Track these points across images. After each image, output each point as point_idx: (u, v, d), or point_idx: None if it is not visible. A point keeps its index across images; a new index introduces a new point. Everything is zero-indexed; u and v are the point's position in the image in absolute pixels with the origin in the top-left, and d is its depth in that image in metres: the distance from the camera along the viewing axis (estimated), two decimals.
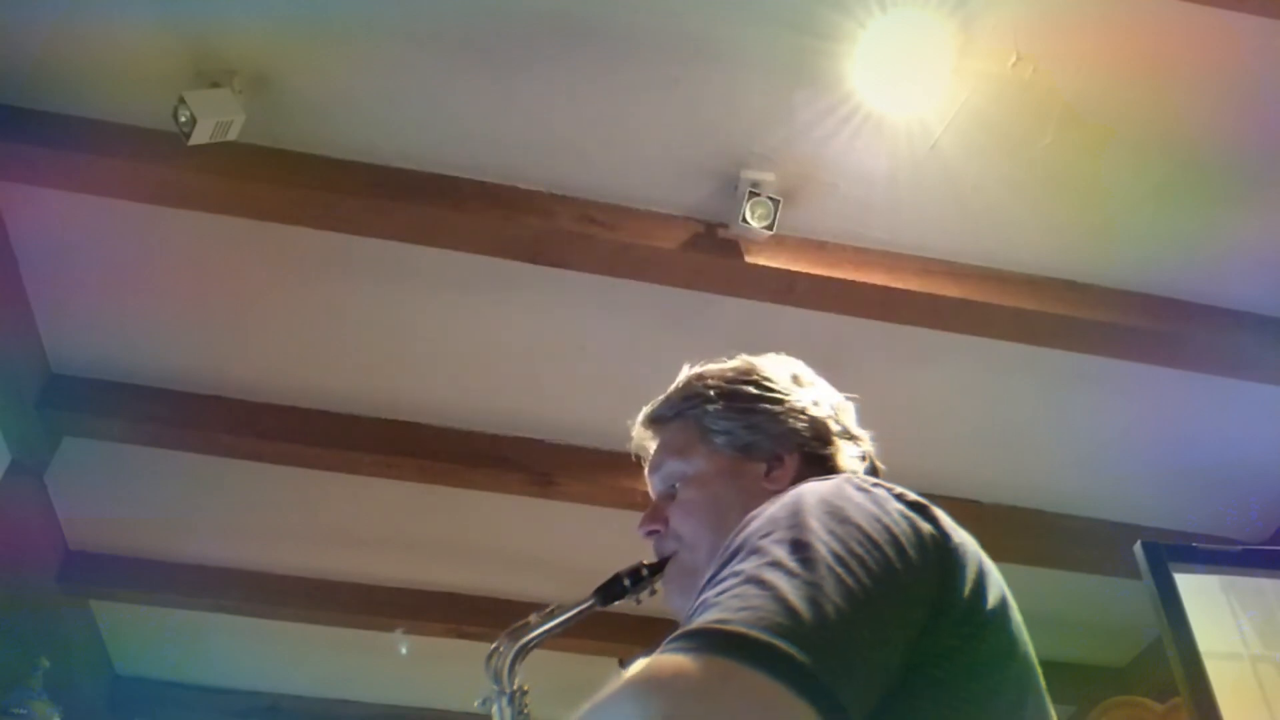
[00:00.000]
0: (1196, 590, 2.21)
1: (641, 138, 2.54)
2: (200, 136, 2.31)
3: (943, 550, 0.82)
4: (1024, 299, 2.74)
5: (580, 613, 1.13)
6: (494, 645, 1.13)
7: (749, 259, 2.64)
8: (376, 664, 4.44)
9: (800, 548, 0.75)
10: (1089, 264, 2.76)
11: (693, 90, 2.43)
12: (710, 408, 1.15)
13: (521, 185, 2.62)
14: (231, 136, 2.37)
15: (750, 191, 2.54)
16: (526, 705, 1.16)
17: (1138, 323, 2.78)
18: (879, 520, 0.80)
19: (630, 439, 1.25)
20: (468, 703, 1.18)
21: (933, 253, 2.73)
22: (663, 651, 0.68)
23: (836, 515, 0.79)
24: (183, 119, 2.30)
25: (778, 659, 0.65)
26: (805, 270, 2.66)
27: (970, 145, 2.50)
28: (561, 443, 3.36)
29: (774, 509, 0.83)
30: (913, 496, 0.86)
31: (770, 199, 2.54)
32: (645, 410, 1.23)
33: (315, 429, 3.27)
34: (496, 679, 1.13)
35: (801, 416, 1.13)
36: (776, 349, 1.23)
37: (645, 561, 1.14)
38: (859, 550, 0.76)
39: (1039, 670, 0.85)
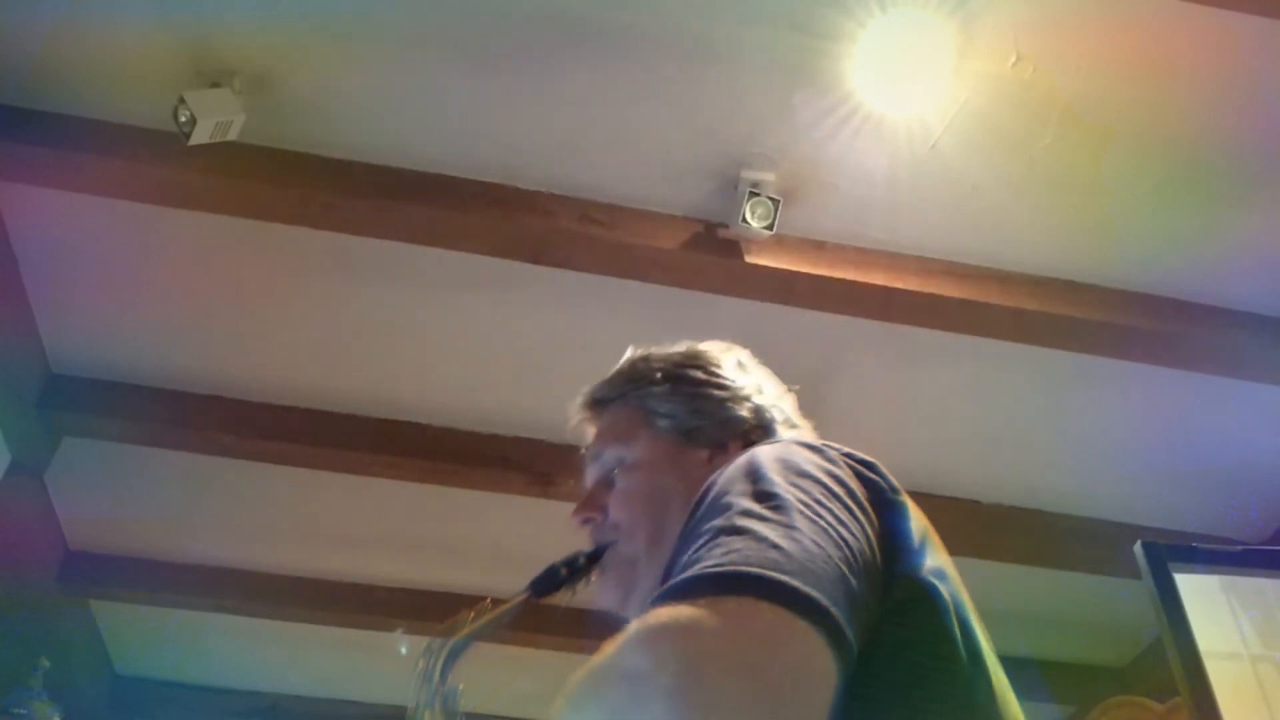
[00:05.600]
0: (1196, 590, 2.20)
1: (641, 138, 2.54)
2: (200, 136, 2.31)
3: (892, 504, 0.81)
4: (1024, 299, 2.74)
5: (514, 606, 1.10)
6: (426, 644, 1.08)
7: (749, 259, 2.63)
8: (376, 664, 4.43)
9: (767, 497, 0.74)
10: (1089, 264, 2.76)
11: (692, 90, 2.43)
12: (655, 389, 1.13)
13: (521, 185, 2.62)
14: (231, 136, 2.37)
15: (750, 192, 2.54)
16: (460, 707, 1.09)
17: (1138, 323, 2.78)
18: (833, 474, 0.80)
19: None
20: (468, 702, 1.17)
21: (933, 253, 2.73)
22: (653, 604, 0.65)
23: (794, 469, 0.79)
24: (183, 119, 2.30)
25: (776, 587, 0.63)
26: (805, 270, 2.66)
27: (970, 145, 2.49)
28: (561, 443, 3.32)
29: (729, 471, 0.81)
30: (861, 455, 0.85)
31: (770, 199, 2.54)
32: (585, 391, 1.20)
33: (315, 429, 3.27)
34: (428, 679, 1.08)
35: (746, 404, 1.11)
36: (777, 349, 1.22)
37: (583, 551, 1.11)
38: (823, 499, 0.75)
39: (992, 647, 0.82)
